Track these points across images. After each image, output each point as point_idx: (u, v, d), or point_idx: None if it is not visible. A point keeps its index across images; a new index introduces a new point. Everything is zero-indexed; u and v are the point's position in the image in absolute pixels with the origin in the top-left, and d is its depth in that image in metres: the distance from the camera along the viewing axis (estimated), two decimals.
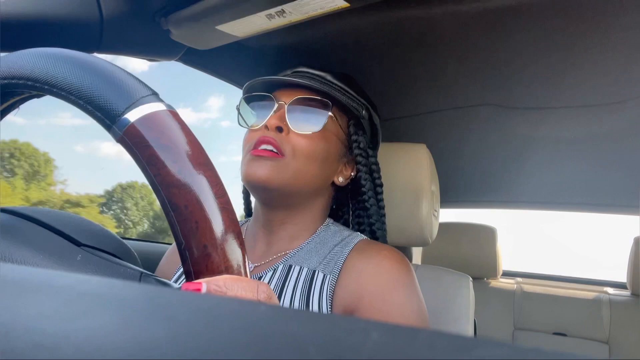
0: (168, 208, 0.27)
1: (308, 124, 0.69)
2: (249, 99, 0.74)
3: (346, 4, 0.64)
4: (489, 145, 1.31)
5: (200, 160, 0.28)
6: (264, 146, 0.65)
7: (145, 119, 0.28)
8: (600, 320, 1.69)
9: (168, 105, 0.29)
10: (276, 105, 0.68)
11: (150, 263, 0.79)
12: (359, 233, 0.72)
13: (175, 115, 0.29)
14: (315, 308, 0.61)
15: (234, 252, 0.28)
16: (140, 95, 0.28)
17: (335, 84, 0.73)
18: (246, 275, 0.29)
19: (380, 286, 0.61)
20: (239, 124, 0.74)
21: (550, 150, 1.28)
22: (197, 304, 0.14)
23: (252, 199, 0.84)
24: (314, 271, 0.65)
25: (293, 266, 0.67)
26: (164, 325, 0.12)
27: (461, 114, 1.13)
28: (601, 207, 1.63)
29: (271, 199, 0.69)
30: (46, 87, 0.29)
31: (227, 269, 0.27)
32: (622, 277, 1.88)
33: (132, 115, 0.27)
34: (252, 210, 0.78)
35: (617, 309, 1.68)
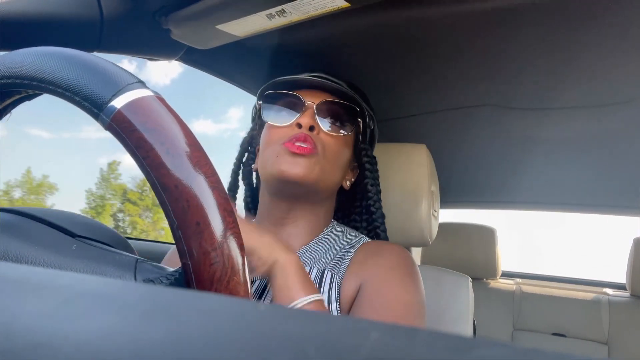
0: (159, 189, 0.27)
1: (337, 126, 0.71)
2: (271, 96, 0.74)
3: (346, 4, 0.64)
4: (488, 145, 1.31)
5: (188, 141, 0.29)
6: (299, 143, 0.66)
7: (132, 104, 0.28)
8: (600, 321, 1.69)
9: (154, 92, 0.30)
10: (305, 104, 0.70)
11: None
12: (364, 235, 0.76)
13: (161, 100, 0.30)
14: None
15: (227, 228, 0.28)
16: (126, 83, 0.29)
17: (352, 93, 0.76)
18: (242, 252, 0.29)
19: (381, 272, 0.64)
20: (263, 119, 0.73)
21: (550, 151, 1.28)
22: (196, 303, 0.14)
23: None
24: (324, 271, 0.67)
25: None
26: (163, 325, 0.12)
27: (461, 114, 1.13)
28: (601, 208, 1.63)
29: (297, 193, 0.70)
30: (34, 82, 0.30)
31: (221, 244, 0.28)
32: (621, 278, 1.88)
33: (119, 102, 0.28)
34: (257, 205, 0.79)
35: (616, 310, 1.68)
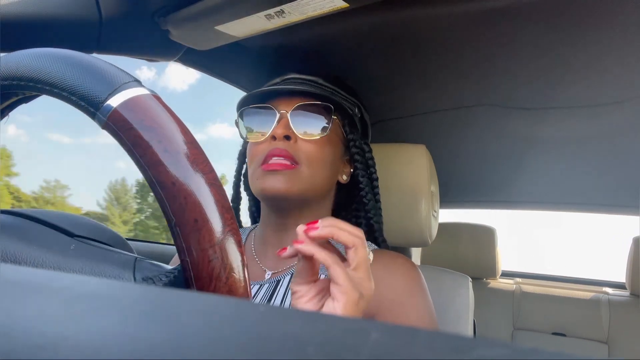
0: (156, 187, 0.28)
1: (313, 129, 0.70)
2: (246, 112, 0.73)
3: (345, 5, 0.64)
4: (488, 145, 1.31)
5: (185, 139, 0.29)
6: (275, 159, 0.66)
7: (128, 103, 0.28)
8: (600, 320, 1.69)
9: (150, 90, 0.30)
10: (278, 115, 0.69)
11: None
12: (369, 242, 0.75)
13: (157, 98, 0.30)
14: None
15: (225, 224, 0.28)
16: (122, 82, 0.29)
17: (328, 87, 0.75)
18: (240, 248, 0.29)
19: (398, 293, 0.65)
20: (241, 137, 0.74)
21: (549, 150, 1.28)
22: (196, 304, 0.14)
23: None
24: None
25: None
26: (163, 326, 0.12)
27: (460, 114, 1.13)
28: (601, 207, 1.63)
29: (287, 206, 0.71)
30: (31, 83, 0.30)
31: (219, 241, 0.28)
32: (621, 277, 1.88)
33: (115, 101, 0.28)
34: (260, 217, 0.79)
35: (616, 309, 1.68)
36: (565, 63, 0.87)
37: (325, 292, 0.49)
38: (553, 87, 0.97)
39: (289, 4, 0.64)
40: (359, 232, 0.48)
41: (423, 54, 0.89)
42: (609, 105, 1.01)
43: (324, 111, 0.71)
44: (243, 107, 0.74)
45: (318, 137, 0.70)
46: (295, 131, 0.68)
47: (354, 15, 0.77)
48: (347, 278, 0.45)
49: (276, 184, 0.65)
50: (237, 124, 0.75)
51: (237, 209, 0.85)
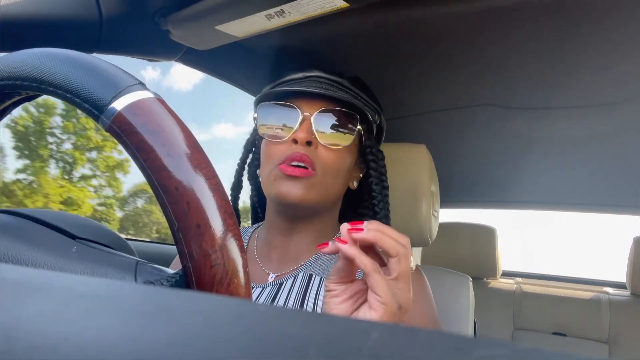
0: (159, 191, 0.27)
1: (336, 138, 0.67)
2: (266, 106, 0.70)
3: (345, 4, 0.64)
4: (488, 145, 1.31)
5: (189, 143, 0.29)
6: (295, 163, 0.64)
7: (132, 106, 0.28)
8: (600, 320, 1.69)
9: (155, 93, 0.30)
10: (301, 117, 0.66)
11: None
12: None
13: (162, 102, 0.30)
14: None
15: (228, 230, 0.28)
16: (127, 85, 0.29)
17: (353, 90, 0.72)
18: (242, 253, 0.29)
19: None
20: (260, 135, 0.71)
21: (550, 150, 1.28)
22: (196, 304, 0.14)
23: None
24: None
25: (314, 276, 0.68)
26: (163, 326, 0.12)
27: (461, 114, 1.13)
28: (601, 207, 1.63)
29: (297, 212, 0.69)
30: (35, 84, 0.30)
31: (222, 246, 0.28)
32: (621, 277, 1.88)
33: (119, 104, 0.28)
34: (263, 217, 0.78)
35: (616, 309, 1.68)
36: (566, 63, 0.87)
37: (361, 294, 0.47)
38: (553, 87, 0.97)
39: (289, 4, 0.64)
40: (404, 241, 0.46)
41: (423, 54, 0.89)
42: (609, 105, 1.01)
43: (350, 120, 0.69)
44: (263, 100, 0.71)
45: (341, 147, 0.67)
46: (318, 138, 0.66)
47: (354, 15, 0.77)
48: (387, 288, 0.43)
49: (293, 190, 0.64)
50: (255, 118, 0.72)
51: (236, 197, 0.83)
